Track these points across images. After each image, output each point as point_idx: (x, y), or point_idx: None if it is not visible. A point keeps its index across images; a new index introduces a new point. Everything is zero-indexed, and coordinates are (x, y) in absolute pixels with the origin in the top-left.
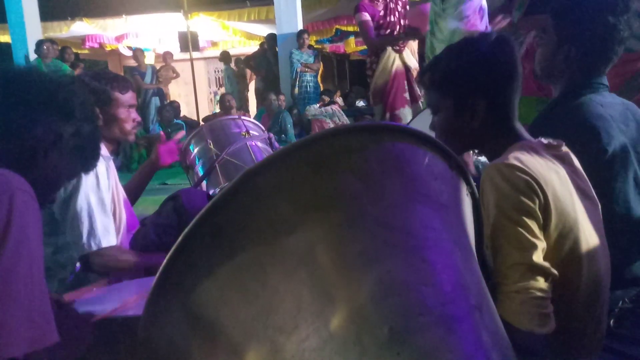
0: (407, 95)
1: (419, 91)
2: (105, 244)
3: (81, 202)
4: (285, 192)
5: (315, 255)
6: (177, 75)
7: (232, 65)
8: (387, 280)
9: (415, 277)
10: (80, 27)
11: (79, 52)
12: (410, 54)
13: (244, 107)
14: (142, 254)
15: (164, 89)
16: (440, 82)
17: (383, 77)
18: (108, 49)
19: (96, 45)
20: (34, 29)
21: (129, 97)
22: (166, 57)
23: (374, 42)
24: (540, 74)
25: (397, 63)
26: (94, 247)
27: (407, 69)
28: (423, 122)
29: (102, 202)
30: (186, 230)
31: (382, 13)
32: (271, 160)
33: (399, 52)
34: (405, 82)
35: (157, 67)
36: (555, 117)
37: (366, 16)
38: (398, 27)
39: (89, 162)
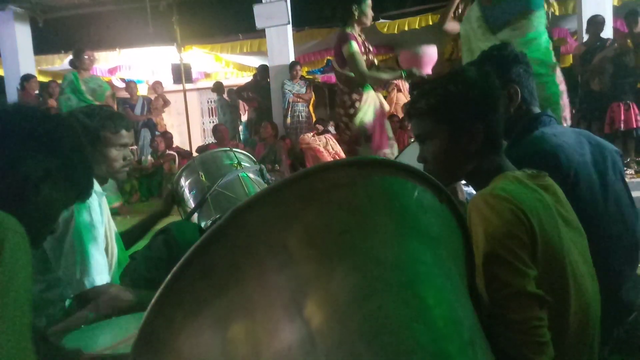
0: (389, 134)
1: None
2: (98, 281)
3: (74, 239)
4: (275, 229)
5: (306, 293)
6: (167, 104)
7: (225, 95)
8: (379, 317)
9: (407, 314)
10: None
11: None
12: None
13: (236, 137)
14: (136, 292)
15: (154, 119)
16: (436, 109)
17: (368, 116)
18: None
19: None
20: (28, 62)
21: (120, 136)
22: (155, 87)
23: (368, 75)
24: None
25: (377, 103)
26: (88, 285)
27: (382, 108)
28: (409, 156)
29: (95, 239)
30: (174, 269)
31: (362, 49)
32: (261, 196)
33: (376, 90)
34: (386, 121)
35: (150, 98)
36: (516, 154)
37: (357, 46)
38: (373, 66)
39: (83, 191)
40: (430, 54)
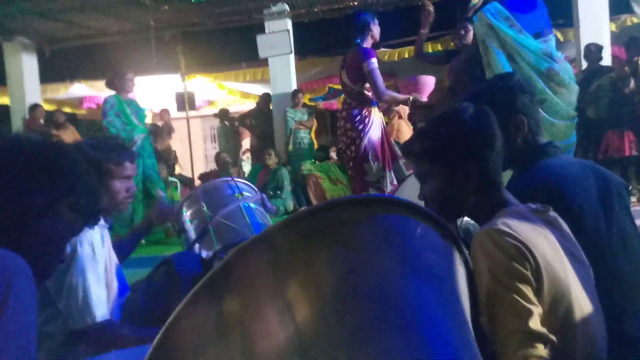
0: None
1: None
2: (99, 316)
3: (77, 274)
4: (278, 268)
5: (308, 335)
6: (171, 133)
7: (227, 122)
8: (383, 359)
9: (412, 356)
10: (78, 89)
11: (77, 112)
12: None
13: (238, 164)
14: (136, 329)
15: (158, 146)
16: (430, 151)
17: (377, 132)
18: None
19: (93, 106)
20: (33, 91)
21: (124, 168)
22: (162, 114)
23: (386, 95)
24: (504, 164)
25: (382, 119)
26: (89, 321)
27: (384, 126)
28: (409, 189)
29: (97, 273)
30: (178, 308)
31: None
32: (265, 235)
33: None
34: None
35: (157, 125)
36: (520, 185)
37: (377, 64)
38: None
39: (90, 218)
40: (428, 82)
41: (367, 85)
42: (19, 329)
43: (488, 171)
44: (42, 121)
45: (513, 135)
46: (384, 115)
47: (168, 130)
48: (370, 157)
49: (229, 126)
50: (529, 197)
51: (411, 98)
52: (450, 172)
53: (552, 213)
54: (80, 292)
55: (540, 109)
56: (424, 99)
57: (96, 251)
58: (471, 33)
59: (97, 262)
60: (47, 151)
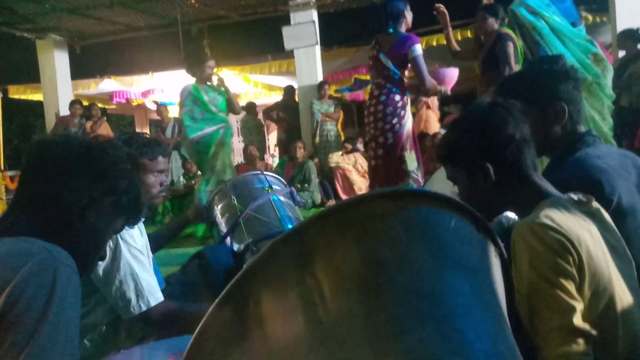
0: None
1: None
2: (153, 301)
3: (124, 268)
4: (312, 262)
5: (344, 326)
6: None
7: (259, 116)
8: (418, 350)
9: (447, 347)
10: (108, 85)
11: (107, 107)
12: None
13: (265, 157)
14: (194, 305)
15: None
16: (447, 156)
17: (411, 121)
18: (135, 104)
19: (123, 101)
20: (65, 87)
21: (157, 162)
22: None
23: (430, 83)
24: (540, 150)
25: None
26: (144, 308)
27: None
28: (438, 183)
29: (141, 262)
30: (217, 301)
31: None
32: (298, 229)
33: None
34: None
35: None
36: (557, 175)
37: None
38: None
39: (131, 216)
40: (452, 75)
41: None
42: (66, 320)
43: (508, 165)
44: (78, 117)
45: (552, 122)
46: (411, 105)
47: None
48: (408, 145)
49: (253, 119)
50: (566, 188)
51: (442, 90)
52: (468, 173)
53: (595, 204)
54: (131, 282)
55: (591, 94)
56: (449, 91)
57: (137, 241)
58: (489, 21)
59: (140, 252)
60: (93, 150)
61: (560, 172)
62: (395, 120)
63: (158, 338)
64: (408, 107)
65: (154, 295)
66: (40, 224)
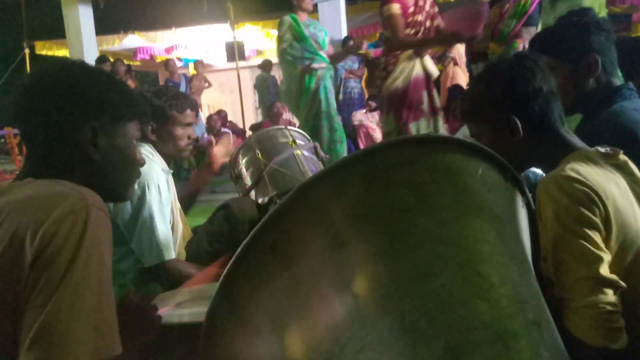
0: (424, 106)
1: (438, 102)
2: (166, 256)
3: (145, 215)
4: (337, 206)
5: (369, 268)
6: (209, 85)
7: (274, 73)
8: (442, 294)
9: (470, 291)
10: (132, 40)
11: (131, 63)
12: (430, 59)
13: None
14: (199, 266)
15: (197, 99)
16: (471, 111)
17: (399, 82)
18: (158, 60)
19: (147, 57)
20: (90, 43)
21: (186, 115)
22: (197, 66)
23: (403, 41)
24: (574, 106)
25: (418, 69)
26: (155, 260)
27: (427, 75)
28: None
29: (163, 215)
30: (244, 242)
31: (411, 9)
32: (324, 175)
33: (421, 56)
34: (425, 91)
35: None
36: (591, 128)
37: (398, 9)
38: (423, 28)
39: (137, 114)
40: (481, 10)
41: None
42: (98, 260)
43: (536, 119)
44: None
45: (585, 75)
46: (438, 62)
47: (205, 81)
48: (385, 109)
49: (269, 76)
50: (598, 141)
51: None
52: (494, 129)
53: (622, 156)
54: (149, 232)
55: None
56: (478, 31)
57: (162, 194)
58: None
59: (163, 205)
60: (61, 84)
61: (595, 123)
62: (379, 83)
63: None
64: (397, 66)
65: (167, 250)
66: (63, 169)
